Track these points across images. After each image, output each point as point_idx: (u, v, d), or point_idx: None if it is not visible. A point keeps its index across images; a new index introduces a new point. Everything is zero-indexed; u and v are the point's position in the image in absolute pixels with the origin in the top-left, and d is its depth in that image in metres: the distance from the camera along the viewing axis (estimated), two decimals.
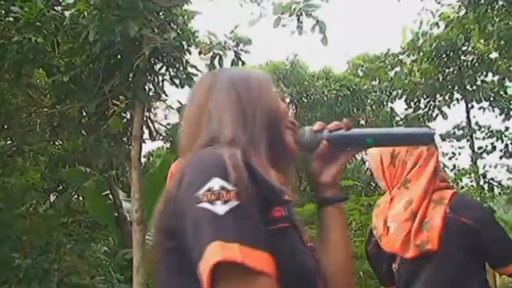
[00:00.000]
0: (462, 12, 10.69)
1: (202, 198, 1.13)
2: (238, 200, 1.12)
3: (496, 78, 12.72)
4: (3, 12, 5.97)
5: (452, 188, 2.46)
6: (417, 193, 2.32)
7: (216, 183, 1.13)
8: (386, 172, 2.44)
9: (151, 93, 6.40)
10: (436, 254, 2.24)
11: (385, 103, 15.87)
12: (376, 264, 2.54)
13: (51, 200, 9.42)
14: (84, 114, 6.83)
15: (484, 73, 12.50)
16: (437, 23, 11.53)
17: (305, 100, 16.17)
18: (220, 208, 1.11)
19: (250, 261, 1.08)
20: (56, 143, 8.73)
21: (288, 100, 16.28)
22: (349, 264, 1.48)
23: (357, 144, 1.48)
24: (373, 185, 13.65)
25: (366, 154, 17.82)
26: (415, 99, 12.83)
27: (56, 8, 6.23)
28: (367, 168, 17.53)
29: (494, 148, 12.71)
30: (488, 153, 12.71)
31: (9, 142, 8.40)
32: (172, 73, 6.36)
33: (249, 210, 1.13)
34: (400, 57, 12.64)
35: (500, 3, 8.89)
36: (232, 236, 1.09)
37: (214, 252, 1.07)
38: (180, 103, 6.70)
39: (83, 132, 7.25)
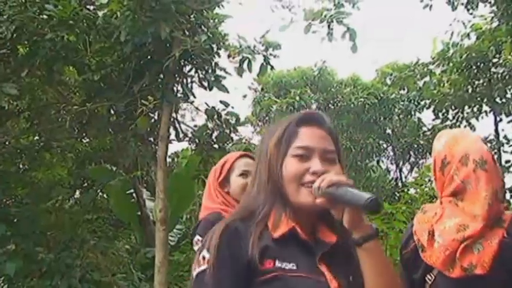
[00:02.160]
0: (495, 24, 10.57)
1: (194, 266, 1.56)
2: (207, 265, 1.50)
3: None
4: (37, 9, 6.06)
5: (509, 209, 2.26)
6: (475, 221, 2.14)
7: (202, 253, 1.54)
8: (437, 177, 2.32)
9: (179, 95, 6.45)
10: (484, 278, 2.08)
11: (412, 113, 15.77)
12: (410, 271, 2.35)
13: (77, 197, 9.51)
14: (112, 113, 6.90)
15: None
16: (468, 34, 11.41)
17: (332, 107, 16.15)
18: (195, 272, 1.54)
19: None
20: (84, 140, 8.82)
21: (314, 106, 16.27)
22: None
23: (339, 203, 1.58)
24: (398, 195, 13.57)
25: (392, 163, 17.56)
26: (443, 110, 12.69)
27: (89, 7, 6.31)
28: (392, 178, 17.45)
29: None
30: None
31: (37, 138, 8.51)
32: (201, 75, 6.40)
33: (215, 271, 1.49)
34: (430, 67, 12.52)
35: None
36: None
37: None
38: (208, 105, 6.74)
39: (111, 130, 7.32)
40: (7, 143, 8.05)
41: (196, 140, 7.11)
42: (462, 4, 10.31)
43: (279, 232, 1.56)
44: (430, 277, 2.26)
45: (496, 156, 12.44)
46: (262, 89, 17.09)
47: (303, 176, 1.60)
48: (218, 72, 6.38)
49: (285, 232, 1.56)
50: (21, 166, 8.69)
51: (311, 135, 1.65)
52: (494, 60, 11.56)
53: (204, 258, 1.52)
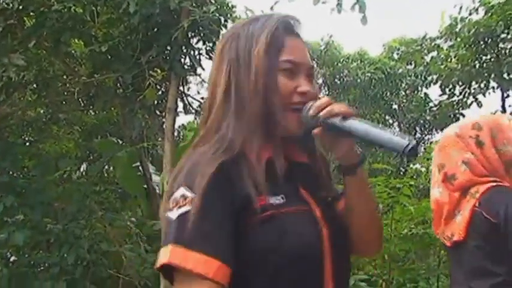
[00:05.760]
0: None
1: (169, 206, 1.28)
2: (190, 206, 1.23)
3: None
4: None
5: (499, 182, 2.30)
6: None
7: (179, 192, 1.27)
8: None
9: (187, 67, 6.43)
10: (464, 244, 2.26)
11: (419, 88, 15.70)
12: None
13: (84, 169, 9.55)
14: (119, 85, 6.90)
15: None
16: (477, 9, 11.31)
17: (338, 82, 16.09)
18: (173, 214, 1.25)
19: (187, 264, 1.20)
20: (91, 112, 8.83)
21: (320, 81, 16.22)
22: (372, 226, 1.51)
23: (348, 137, 1.37)
24: (403, 170, 13.58)
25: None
26: (450, 86, 12.64)
27: None
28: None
29: None
30: None
31: (44, 110, 8.52)
32: (208, 47, 6.38)
33: (201, 213, 1.23)
34: (437, 41, 12.43)
35: None
36: (174, 240, 1.23)
37: (161, 255, 1.24)
38: None
39: (118, 103, 7.33)
40: (14, 114, 8.07)
41: (203, 113, 7.10)
42: None
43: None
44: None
45: None
46: None
47: (291, 95, 1.38)
48: None
49: (265, 162, 1.35)
50: (28, 138, 8.73)
51: (297, 47, 1.42)
52: (503, 35, 11.46)
53: (185, 198, 1.25)
